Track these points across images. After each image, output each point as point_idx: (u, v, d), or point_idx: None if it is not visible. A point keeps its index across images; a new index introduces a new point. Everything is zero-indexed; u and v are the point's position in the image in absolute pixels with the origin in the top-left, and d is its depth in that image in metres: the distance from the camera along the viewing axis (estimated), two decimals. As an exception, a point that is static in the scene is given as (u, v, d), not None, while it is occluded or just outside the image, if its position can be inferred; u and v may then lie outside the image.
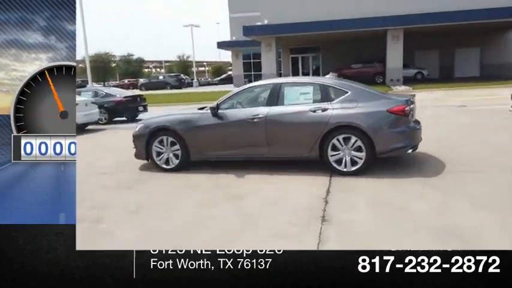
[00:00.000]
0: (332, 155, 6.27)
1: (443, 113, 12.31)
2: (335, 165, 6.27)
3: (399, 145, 6.15)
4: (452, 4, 25.86)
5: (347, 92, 6.39)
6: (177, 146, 6.97)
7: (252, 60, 43.86)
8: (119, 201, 5.62)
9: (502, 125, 10.15)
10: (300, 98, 6.63)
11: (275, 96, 6.66)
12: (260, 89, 7.12)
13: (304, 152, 6.44)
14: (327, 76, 6.77)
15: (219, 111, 6.79)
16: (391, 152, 6.19)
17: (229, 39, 44.21)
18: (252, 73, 43.81)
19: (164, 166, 7.09)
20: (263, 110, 6.59)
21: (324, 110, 6.30)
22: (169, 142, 7.02)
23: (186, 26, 56.79)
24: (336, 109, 6.27)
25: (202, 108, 7.20)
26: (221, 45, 44.46)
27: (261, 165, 6.80)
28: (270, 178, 6.34)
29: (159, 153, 7.10)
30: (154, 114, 7.73)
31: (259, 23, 30.42)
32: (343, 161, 6.22)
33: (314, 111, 6.33)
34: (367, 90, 6.65)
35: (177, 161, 7.04)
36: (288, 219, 4.54)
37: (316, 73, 37.64)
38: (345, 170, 6.23)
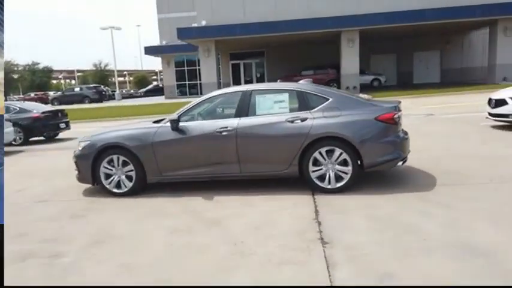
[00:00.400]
0: (314, 171, 6.34)
1: (412, 123, 12.83)
2: (317, 182, 6.34)
3: (389, 157, 6.29)
4: (410, 3, 27.28)
5: (328, 99, 6.48)
6: (131, 166, 6.84)
7: (186, 68, 43.86)
8: (73, 233, 5.42)
9: (480, 134, 10.85)
10: (275, 107, 6.65)
11: (245, 106, 6.68)
12: (227, 97, 7.12)
13: (282, 168, 6.49)
14: (301, 81, 6.88)
15: (181, 124, 6.73)
16: (380, 165, 6.34)
17: (159, 44, 44.03)
18: (187, 82, 43.83)
19: (115, 190, 6.94)
20: (232, 122, 6.59)
21: (303, 119, 6.38)
22: (120, 162, 6.87)
23: (104, 28, 54.60)
24: (316, 118, 6.34)
25: (158, 121, 7.13)
26: (149, 50, 44.05)
27: (232, 185, 6.85)
28: (244, 199, 6.32)
29: (108, 176, 6.94)
30: (98, 130, 7.52)
31: (196, 25, 30.43)
32: (327, 177, 6.30)
33: (292, 122, 6.41)
34: (351, 97, 6.83)
35: (130, 184, 6.90)
36: (284, 244, 4.57)
37: (260, 81, 38.29)
38: (328, 187, 6.31)
